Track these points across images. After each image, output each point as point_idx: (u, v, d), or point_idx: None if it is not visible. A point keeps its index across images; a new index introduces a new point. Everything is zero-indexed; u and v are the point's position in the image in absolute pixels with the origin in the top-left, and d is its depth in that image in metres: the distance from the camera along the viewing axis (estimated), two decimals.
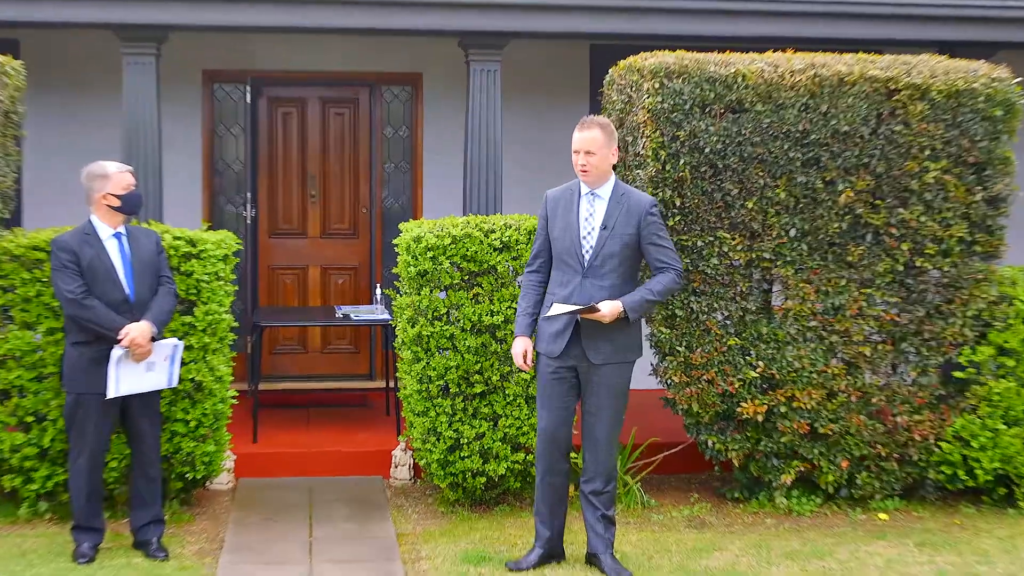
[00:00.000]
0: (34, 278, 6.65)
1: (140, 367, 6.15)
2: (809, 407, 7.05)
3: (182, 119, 9.55)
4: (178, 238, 6.82)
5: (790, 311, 7.07)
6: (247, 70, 9.53)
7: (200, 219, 9.44)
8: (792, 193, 6.96)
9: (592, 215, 5.95)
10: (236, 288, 7.13)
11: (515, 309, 6.94)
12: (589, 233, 5.92)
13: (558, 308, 5.89)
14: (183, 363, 6.78)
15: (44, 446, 6.70)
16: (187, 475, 6.93)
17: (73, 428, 6.21)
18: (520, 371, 6.70)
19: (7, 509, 6.90)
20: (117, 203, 6.18)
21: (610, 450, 6.03)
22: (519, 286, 6.99)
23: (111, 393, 6.06)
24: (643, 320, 6.06)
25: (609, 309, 5.83)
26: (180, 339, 6.73)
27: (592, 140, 5.90)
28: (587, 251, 5.90)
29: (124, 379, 6.10)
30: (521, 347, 6.04)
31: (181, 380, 6.76)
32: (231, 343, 7.08)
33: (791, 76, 6.89)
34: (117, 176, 6.21)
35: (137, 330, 6.08)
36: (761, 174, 6.93)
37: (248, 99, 9.20)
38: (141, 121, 7.60)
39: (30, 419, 6.70)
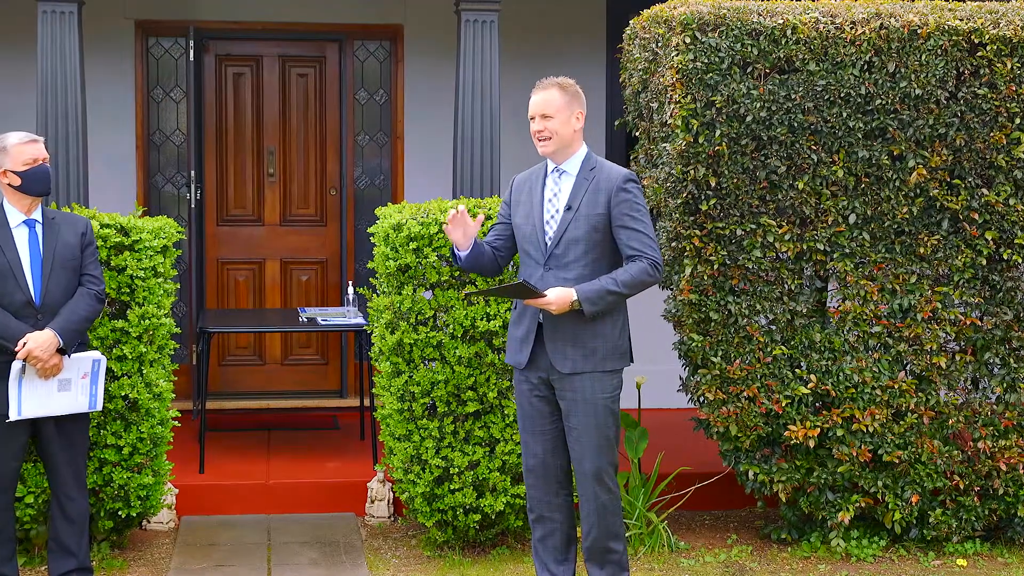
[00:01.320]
0: None
1: (50, 385, 6.13)
2: (871, 430, 7.05)
3: (110, 81, 9.56)
4: (106, 226, 6.81)
5: (848, 314, 7.07)
6: (189, 20, 9.52)
7: (134, 202, 9.43)
8: (852, 171, 6.96)
9: (557, 195, 5.96)
10: (177, 286, 7.13)
11: None
12: (552, 217, 5.93)
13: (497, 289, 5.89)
14: (114, 377, 6.78)
15: None
16: (119, 512, 6.93)
17: None
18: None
19: None
20: (17, 182, 6.14)
21: (605, 484, 5.95)
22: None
23: (13, 415, 6.05)
24: (624, 320, 6.00)
25: (556, 296, 5.73)
26: (112, 346, 6.74)
27: (548, 102, 5.90)
28: (548, 237, 5.92)
29: (29, 399, 6.08)
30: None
31: (112, 398, 6.75)
32: (172, 353, 7.08)
33: (851, 28, 6.88)
34: (17, 148, 6.15)
35: (36, 340, 6.04)
36: (814, 148, 6.92)
37: (191, 56, 9.20)
38: (60, 83, 7.58)
39: None
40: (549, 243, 5.90)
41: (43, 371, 6.07)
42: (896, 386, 7.06)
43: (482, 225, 6.28)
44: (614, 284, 5.77)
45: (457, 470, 6.98)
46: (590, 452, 5.92)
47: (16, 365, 6.01)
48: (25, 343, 6.01)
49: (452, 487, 7.00)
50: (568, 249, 5.87)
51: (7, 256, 6.11)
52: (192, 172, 9.34)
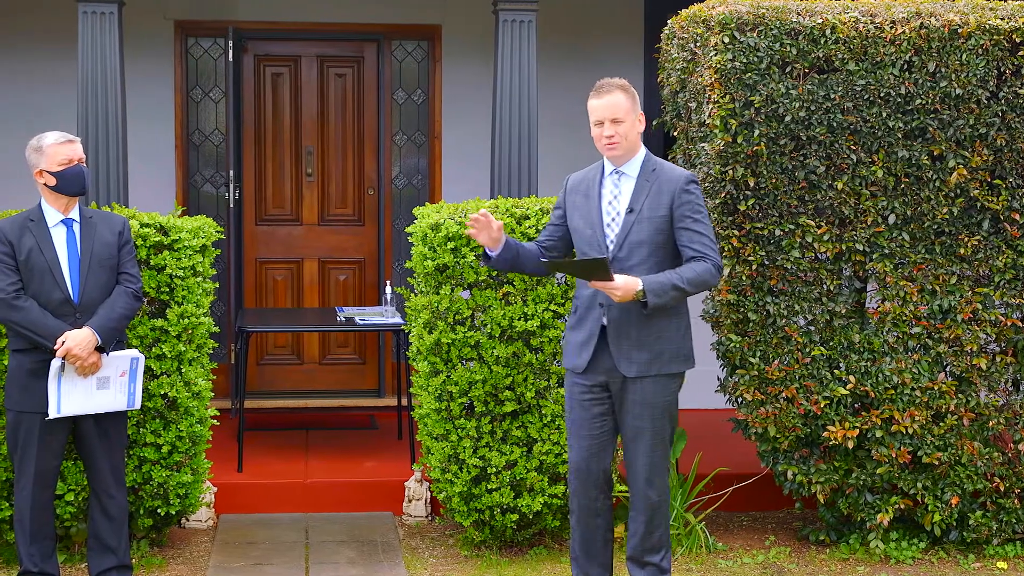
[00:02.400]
0: None
1: (89, 383, 6.17)
2: (911, 431, 7.02)
3: (150, 81, 9.61)
4: (146, 225, 6.85)
5: (888, 315, 7.04)
6: (228, 21, 9.56)
7: (173, 202, 9.48)
8: (892, 171, 6.94)
9: (617, 197, 5.92)
10: (216, 286, 7.16)
11: (553, 312, 6.96)
12: (613, 220, 5.90)
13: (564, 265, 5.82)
14: (153, 376, 6.81)
15: None
16: (158, 510, 6.96)
17: (15, 453, 6.24)
18: None
19: None
20: (53, 182, 6.18)
21: (656, 485, 5.97)
22: (559, 284, 6.99)
23: (53, 413, 6.09)
24: (687, 323, 5.99)
25: (624, 282, 5.65)
26: (151, 345, 6.77)
27: (616, 106, 5.86)
28: (610, 240, 5.89)
29: (68, 397, 6.11)
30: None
31: (151, 396, 6.79)
32: (211, 352, 7.11)
33: (891, 28, 6.86)
34: (53, 149, 6.19)
35: (75, 339, 6.08)
36: (853, 148, 6.90)
37: (229, 56, 9.24)
38: (100, 84, 7.62)
39: None
40: (611, 247, 5.85)
41: (82, 369, 6.11)
42: (936, 387, 7.03)
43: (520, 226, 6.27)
44: (680, 280, 5.72)
45: (495, 470, 6.99)
46: (645, 454, 5.92)
47: (55, 363, 6.05)
48: (64, 341, 6.05)
49: (489, 487, 7.00)
50: (632, 252, 5.82)
51: (45, 255, 6.15)
52: (231, 172, 9.37)
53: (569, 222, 6.03)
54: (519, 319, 6.93)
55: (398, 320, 8.23)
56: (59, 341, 6.05)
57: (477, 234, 5.91)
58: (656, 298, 5.67)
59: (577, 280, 6.01)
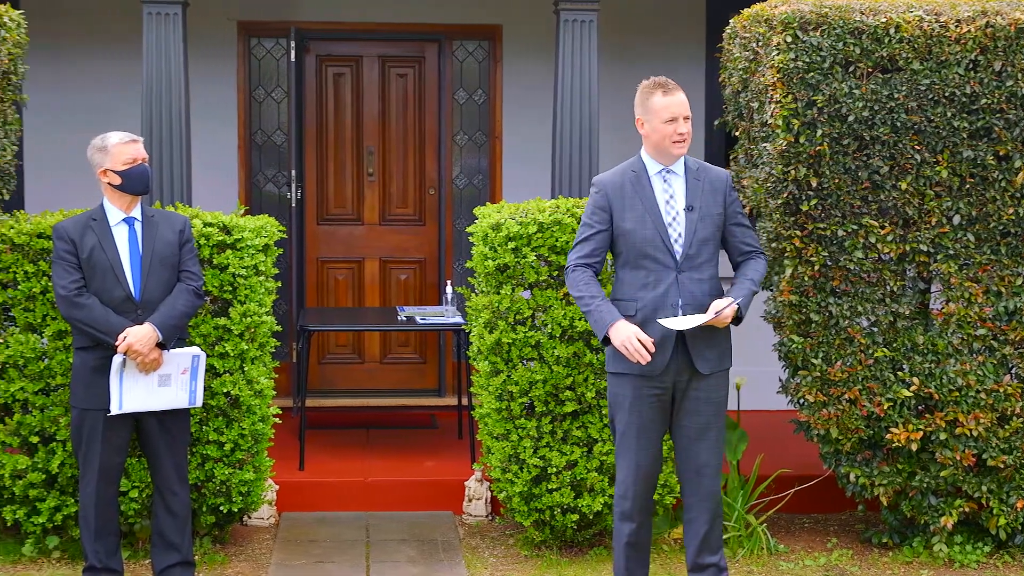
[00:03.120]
0: (39, 271, 6.76)
1: (151, 380, 6.21)
2: (976, 434, 6.96)
3: (213, 81, 9.68)
4: (209, 224, 6.90)
5: (952, 316, 6.99)
6: (290, 21, 9.62)
7: (236, 201, 9.54)
8: (956, 171, 6.88)
9: (672, 196, 5.92)
10: (279, 285, 7.20)
11: None
12: (674, 219, 5.89)
13: (679, 321, 5.75)
14: (216, 374, 6.86)
15: (52, 471, 6.82)
16: (221, 508, 7.01)
17: (79, 450, 6.30)
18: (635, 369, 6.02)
19: (9, 546, 7.04)
20: (117, 181, 6.24)
21: (718, 481, 6.02)
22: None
23: (114, 409, 6.14)
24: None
25: (731, 310, 5.78)
26: (214, 343, 6.82)
27: (686, 103, 5.91)
28: (676, 239, 5.87)
29: (130, 393, 6.16)
30: (630, 329, 5.74)
31: (214, 394, 6.84)
32: (273, 351, 7.15)
33: (956, 27, 6.80)
34: (117, 148, 6.24)
35: (136, 335, 6.13)
36: (917, 148, 6.85)
37: (292, 56, 9.29)
38: (164, 83, 7.68)
39: (35, 439, 6.81)
40: (681, 246, 5.86)
41: (143, 365, 6.15)
42: (1001, 390, 6.96)
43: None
44: (753, 285, 5.92)
45: (555, 470, 6.99)
46: (715, 449, 5.95)
47: (117, 359, 6.10)
48: (125, 337, 6.10)
49: (550, 487, 7.00)
50: (700, 250, 5.87)
51: (107, 253, 6.21)
52: (293, 171, 9.43)
53: (617, 223, 5.92)
54: (580, 319, 6.92)
55: (458, 320, 8.25)
56: (120, 337, 6.11)
57: (648, 349, 5.74)
58: (745, 312, 5.87)
59: (624, 285, 5.90)
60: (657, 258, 5.85)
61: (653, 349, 5.72)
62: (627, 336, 5.72)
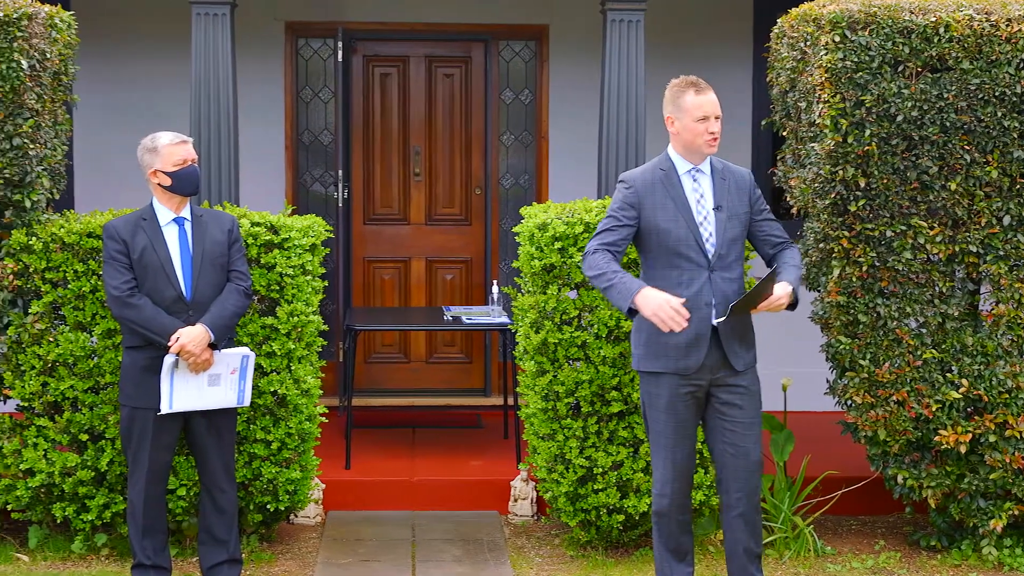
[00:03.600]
0: (89, 270, 6.81)
1: (200, 379, 6.24)
2: None
3: (261, 81, 9.72)
4: (257, 224, 6.93)
5: (1002, 317, 6.94)
6: (337, 22, 9.65)
7: (283, 201, 9.58)
8: (1007, 171, 6.83)
9: (702, 196, 5.93)
10: (325, 284, 7.22)
11: None
12: (705, 218, 5.90)
13: (737, 307, 5.79)
14: (263, 373, 6.89)
15: (101, 469, 6.87)
16: (268, 506, 7.04)
17: (129, 448, 6.34)
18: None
19: (58, 543, 7.09)
20: (168, 182, 6.27)
21: (760, 472, 6.07)
22: None
23: (164, 408, 6.17)
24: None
25: (786, 291, 5.82)
26: (262, 343, 6.85)
27: (717, 103, 5.93)
28: (708, 239, 5.87)
29: (180, 393, 6.20)
30: (660, 296, 5.62)
31: (261, 393, 6.87)
32: (319, 350, 7.17)
33: (1007, 26, 6.75)
34: (168, 149, 6.27)
35: (189, 335, 6.16)
36: (967, 148, 6.80)
37: (339, 57, 9.31)
38: (213, 84, 7.71)
39: (84, 437, 6.86)
40: (713, 245, 5.87)
41: (194, 365, 6.18)
42: None
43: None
44: (799, 270, 5.99)
45: (601, 470, 6.98)
46: (756, 443, 5.98)
47: (169, 359, 6.13)
48: (178, 337, 6.14)
49: (596, 487, 6.99)
50: (730, 249, 5.90)
51: (158, 253, 6.24)
52: (340, 171, 9.45)
53: (648, 222, 5.89)
54: (626, 319, 6.91)
55: (505, 320, 8.25)
56: (173, 337, 6.13)
57: (683, 315, 5.66)
58: (797, 294, 5.90)
59: (663, 281, 5.84)
60: (690, 257, 5.86)
61: (688, 314, 5.62)
62: (659, 303, 5.60)
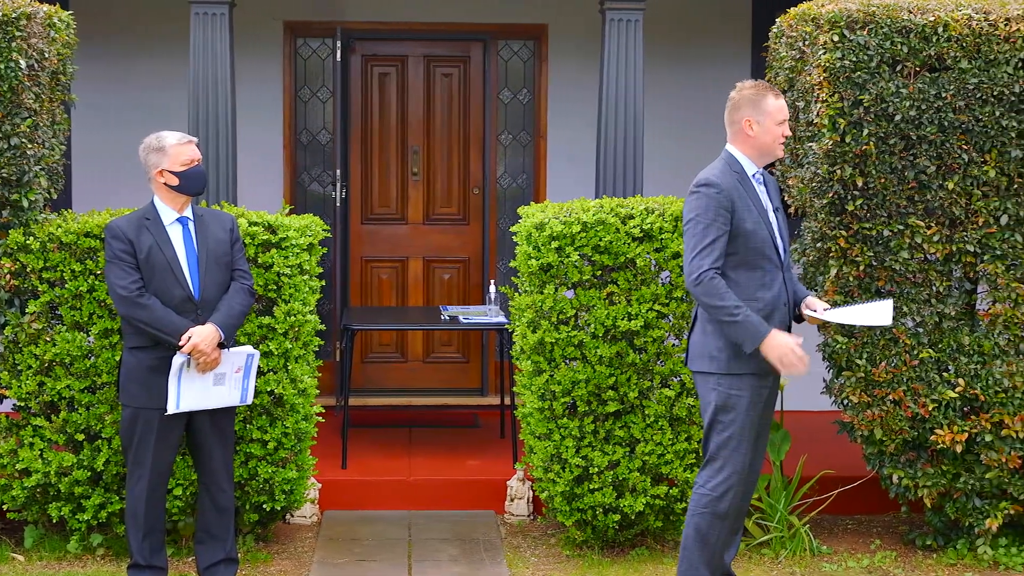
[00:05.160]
0: (86, 270, 6.79)
1: (207, 379, 6.23)
2: (1022, 436, 6.90)
3: (259, 80, 9.70)
4: (255, 223, 6.91)
5: (999, 317, 6.92)
6: (336, 21, 9.64)
7: (281, 200, 9.56)
8: (1004, 171, 6.82)
9: (768, 200, 5.98)
10: (323, 284, 7.20)
11: (657, 312, 6.92)
12: (772, 221, 5.94)
13: (846, 314, 5.95)
14: (260, 373, 6.87)
15: (97, 469, 6.85)
16: (264, 506, 7.02)
17: (130, 448, 6.31)
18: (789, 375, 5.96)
19: (54, 542, 7.07)
20: (175, 182, 6.25)
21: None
22: (663, 284, 6.95)
23: (171, 408, 6.15)
24: None
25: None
26: (259, 342, 6.83)
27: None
28: (778, 240, 5.94)
29: (187, 392, 6.18)
30: (789, 341, 5.72)
31: (258, 393, 6.85)
32: (316, 349, 7.16)
33: (1005, 25, 6.74)
34: (175, 149, 6.25)
35: (200, 335, 6.14)
36: (965, 147, 6.79)
37: (337, 56, 9.30)
38: (211, 83, 7.71)
39: (81, 437, 6.84)
40: (783, 247, 5.93)
41: (204, 365, 6.16)
42: None
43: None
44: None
45: (597, 470, 6.96)
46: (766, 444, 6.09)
47: (179, 359, 6.11)
48: (190, 337, 6.12)
49: (592, 487, 6.98)
50: (788, 249, 6.00)
51: (165, 253, 6.22)
52: (338, 171, 9.44)
53: (739, 225, 5.81)
54: (623, 319, 6.90)
55: (502, 319, 8.24)
56: (184, 337, 6.12)
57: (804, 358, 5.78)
58: None
59: (748, 282, 5.81)
60: (771, 258, 5.88)
61: (808, 358, 5.75)
62: (785, 350, 5.70)
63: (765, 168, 6.02)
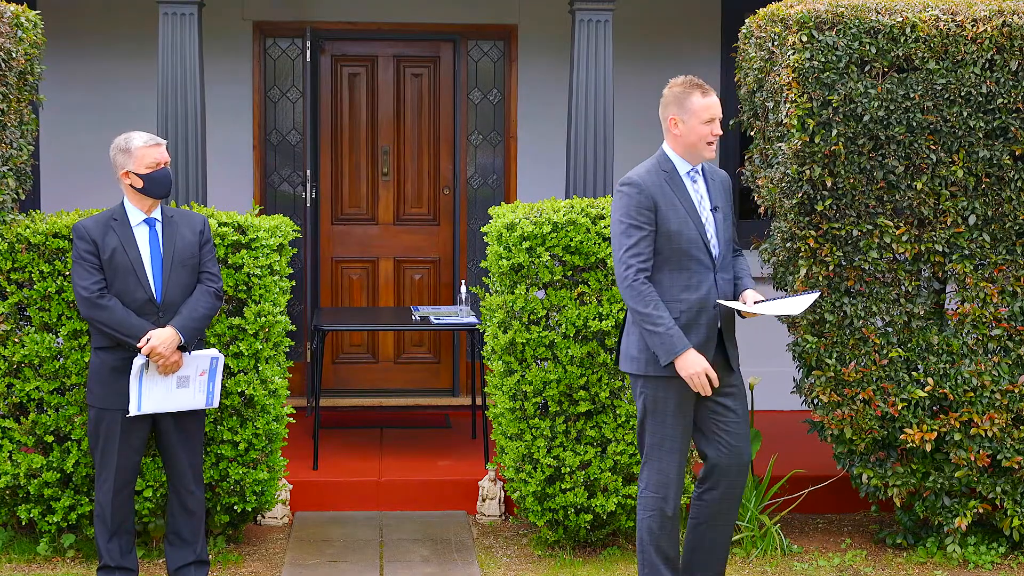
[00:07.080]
0: (55, 271, 6.76)
1: (170, 381, 6.21)
2: (991, 434, 6.93)
3: (228, 81, 9.68)
4: (225, 224, 6.90)
5: (967, 316, 6.95)
6: (305, 22, 9.62)
7: (251, 201, 9.54)
8: (972, 171, 6.85)
9: (701, 197, 5.93)
10: (293, 284, 7.19)
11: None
12: (706, 219, 5.89)
13: (770, 306, 5.88)
14: (230, 374, 6.85)
15: (67, 471, 6.82)
16: (235, 507, 7.01)
17: (96, 449, 6.30)
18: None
19: (24, 545, 7.04)
20: (140, 184, 6.22)
21: (747, 472, 6.17)
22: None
23: (133, 410, 6.14)
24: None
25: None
26: (229, 343, 6.82)
27: (719, 105, 5.95)
28: (711, 240, 5.88)
29: (149, 395, 6.17)
30: (701, 364, 5.72)
31: (228, 394, 6.83)
32: (287, 350, 7.14)
33: (973, 26, 6.77)
34: (141, 151, 6.23)
35: (159, 338, 6.13)
36: (933, 147, 6.82)
37: (307, 56, 9.28)
38: (180, 83, 7.68)
39: (50, 439, 6.81)
40: (716, 247, 5.88)
41: (164, 368, 6.15)
42: (1016, 390, 6.93)
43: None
44: (753, 284, 6.06)
45: (568, 470, 6.97)
46: (747, 442, 6.01)
47: (138, 361, 6.10)
48: (148, 339, 6.10)
49: (563, 487, 6.99)
50: (727, 249, 5.95)
51: (129, 255, 6.20)
52: (308, 171, 9.42)
53: (662, 224, 5.81)
54: (594, 319, 6.91)
55: (473, 319, 8.23)
56: (143, 340, 6.10)
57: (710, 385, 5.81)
58: None
59: (672, 284, 5.81)
60: (700, 259, 5.84)
61: (717, 383, 5.77)
62: (698, 371, 5.72)
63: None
